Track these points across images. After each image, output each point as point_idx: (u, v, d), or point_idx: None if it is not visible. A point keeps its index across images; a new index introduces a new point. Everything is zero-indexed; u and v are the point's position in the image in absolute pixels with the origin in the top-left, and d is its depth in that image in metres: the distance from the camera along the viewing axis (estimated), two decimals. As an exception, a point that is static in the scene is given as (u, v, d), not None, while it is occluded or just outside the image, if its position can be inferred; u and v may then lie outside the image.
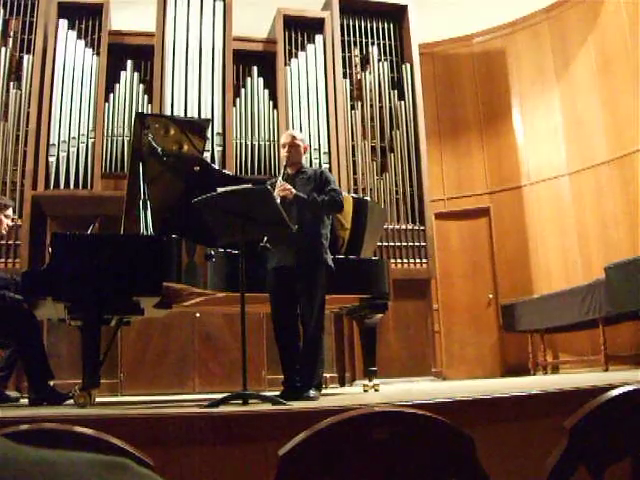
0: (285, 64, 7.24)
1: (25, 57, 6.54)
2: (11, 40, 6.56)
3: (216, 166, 5.78)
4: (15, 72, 6.52)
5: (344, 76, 7.43)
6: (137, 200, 3.58)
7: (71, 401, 3.30)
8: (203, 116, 6.59)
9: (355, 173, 7.21)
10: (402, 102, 7.50)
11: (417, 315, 7.00)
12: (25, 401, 3.88)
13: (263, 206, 3.07)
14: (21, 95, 6.43)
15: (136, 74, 6.90)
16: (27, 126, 6.38)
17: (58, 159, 6.33)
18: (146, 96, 6.84)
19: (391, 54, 7.74)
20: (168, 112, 6.58)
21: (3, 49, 6.48)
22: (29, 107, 6.40)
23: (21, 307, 3.54)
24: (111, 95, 6.73)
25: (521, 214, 8.15)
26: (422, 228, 7.17)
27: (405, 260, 7.05)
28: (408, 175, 7.32)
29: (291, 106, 7.14)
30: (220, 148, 6.70)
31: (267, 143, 7.05)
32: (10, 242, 5.94)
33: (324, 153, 7.04)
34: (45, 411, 2.90)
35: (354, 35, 7.63)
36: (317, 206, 3.50)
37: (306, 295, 3.47)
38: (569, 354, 7.47)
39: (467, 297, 8.15)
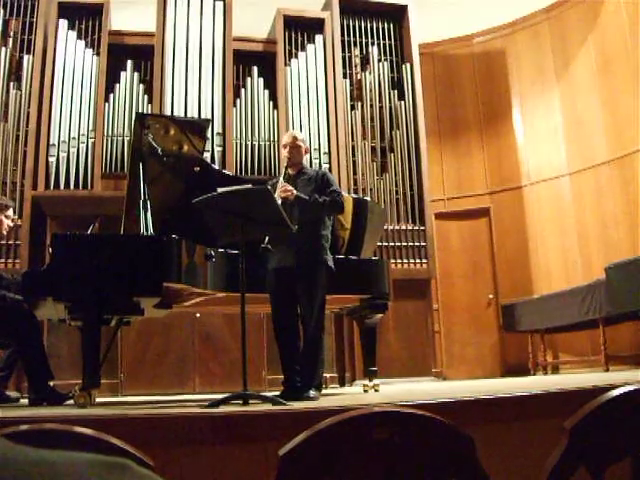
0: (285, 64, 7.24)
1: (25, 57, 6.54)
2: (11, 40, 6.56)
3: (216, 166, 5.78)
4: (15, 72, 6.52)
5: (344, 76, 7.43)
6: (137, 200, 3.58)
7: (71, 401, 3.30)
8: (203, 116, 6.59)
9: (355, 173, 7.21)
10: (402, 102, 7.50)
11: (417, 315, 7.00)
12: (25, 401, 3.88)
13: (263, 206, 3.07)
14: (21, 95, 6.43)
15: (136, 74, 6.91)
16: (27, 126, 6.38)
17: (58, 159, 6.33)
18: (146, 96, 6.84)
19: (391, 54, 7.74)
20: (168, 112, 6.58)
21: (3, 49, 6.48)
22: (29, 107, 6.40)
23: (21, 307, 3.54)
24: (111, 95, 6.74)
25: (521, 214, 8.15)
26: (422, 228, 7.17)
27: (405, 260, 7.05)
28: (408, 175, 7.32)
29: (291, 106, 7.14)
30: (220, 148, 6.70)
31: (267, 143, 7.05)
32: (10, 242, 5.94)
33: (324, 153, 7.04)
34: (45, 411, 2.90)
35: (354, 35, 7.63)
36: (318, 207, 3.51)
37: (306, 295, 3.47)
38: (569, 354, 7.47)
39: (467, 297, 8.15)
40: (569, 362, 7.43)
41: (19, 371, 4.32)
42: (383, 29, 7.78)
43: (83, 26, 6.80)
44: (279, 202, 3.25)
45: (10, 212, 4.12)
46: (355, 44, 7.62)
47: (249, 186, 3.17)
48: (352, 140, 7.27)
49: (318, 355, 3.46)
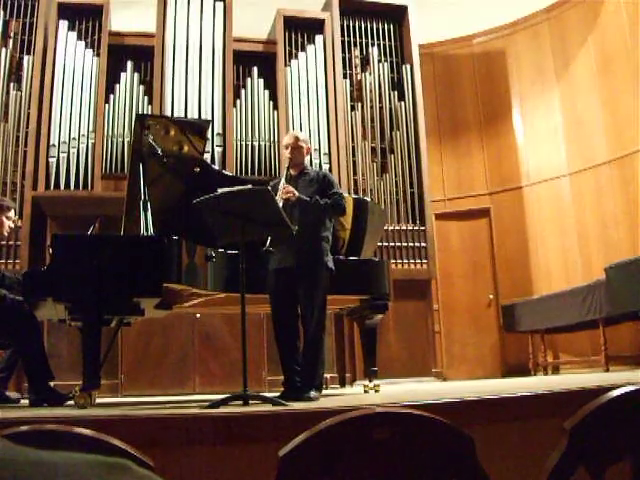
0: (285, 65, 7.25)
1: (25, 58, 6.54)
2: (11, 41, 6.56)
3: (216, 167, 5.78)
4: (15, 73, 6.53)
5: (344, 77, 7.43)
6: (137, 201, 3.58)
7: (71, 402, 3.30)
8: (203, 117, 6.59)
9: (355, 174, 7.21)
10: (402, 103, 7.50)
11: (417, 315, 7.00)
12: (25, 402, 3.88)
13: (263, 207, 3.07)
14: (21, 96, 6.44)
15: (136, 75, 6.91)
16: (27, 127, 6.38)
17: (58, 160, 6.33)
18: (146, 97, 6.84)
19: (391, 55, 7.74)
20: (168, 113, 6.59)
21: (3, 50, 6.48)
22: (29, 108, 6.41)
23: (22, 308, 3.54)
24: (111, 96, 6.74)
25: (521, 214, 8.15)
26: (422, 228, 7.18)
27: (405, 260, 7.05)
28: (408, 175, 7.32)
29: (291, 107, 7.14)
30: (220, 149, 6.70)
31: (267, 144, 7.05)
32: (10, 243, 5.95)
33: (324, 154, 7.04)
34: (45, 412, 2.90)
35: (354, 36, 7.64)
36: (320, 209, 3.51)
37: (307, 296, 3.47)
38: (569, 354, 7.47)
39: (467, 297, 8.15)
40: (569, 362, 7.43)
41: (19, 372, 4.32)
42: (383, 30, 7.78)
43: (83, 27, 6.81)
44: (281, 203, 3.25)
45: (12, 213, 4.13)
46: (355, 45, 7.62)
47: (249, 187, 3.17)
48: (352, 141, 7.27)
49: (318, 356, 3.46)
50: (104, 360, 3.45)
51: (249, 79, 7.29)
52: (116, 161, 6.57)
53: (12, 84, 6.45)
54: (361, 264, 4.28)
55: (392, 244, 7.03)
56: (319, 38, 7.43)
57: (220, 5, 7.14)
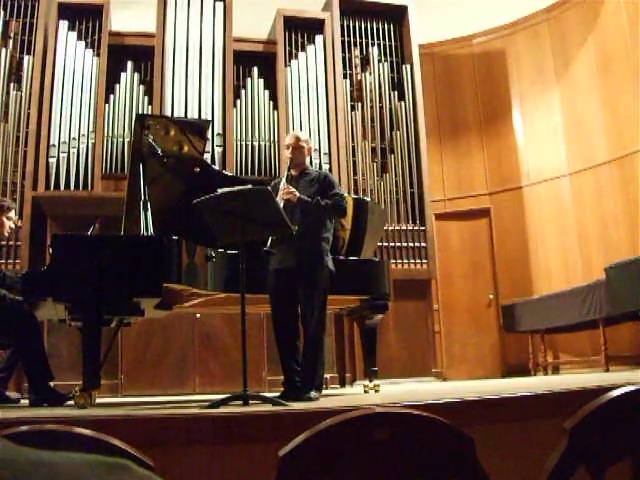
0: (285, 65, 7.25)
1: (25, 58, 6.54)
2: (11, 41, 6.56)
3: (216, 167, 5.78)
4: (15, 73, 6.53)
5: (344, 77, 7.43)
6: (137, 201, 3.58)
7: (71, 402, 3.30)
8: (203, 117, 6.59)
9: (355, 174, 7.21)
10: (402, 103, 7.50)
11: (417, 315, 7.00)
12: (25, 402, 3.88)
13: (263, 207, 3.07)
14: (21, 96, 6.44)
15: (136, 75, 6.91)
16: (27, 127, 6.38)
17: (58, 160, 6.34)
18: (146, 97, 6.84)
19: (391, 55, 7.74)
20: (168, 113, 6.59)
21: (3, 50, 6.48)
22: (29, 108, 6.41)
23: (22, 308, 3.54)
24: (111, 96, 6.74)
25: (521, 214, 8.15)
26: (422, 228, 7.18)
27: (405, 260, 7.05)
28: (408, 175, 7.32)
29: (291, 107, 7.14)
30: (220, 149, 6.70)
31: (267, 144, 7.05)
32: (11, 243, 5.95)
33: (324, 154, 7.04)
34: (45, 412, 2.90)
35: (354, 36, 7.64)
36: (321, 210, 3.50)
37: (307, 296, 3.47)
38: (569, 354, 7.47)
39: (467, 297, 8.15)
40: (569, 362, 7.43)
41: (19, 372, 4.32)
42: (383, 30, 7.78)
43: (83, 27, 6.81)
44: (281, 204, 3.25)
45: (12, 214, 4.13)
46: (355, 45, 7.62)
47: (249, 187, 3.17)
48: (352, 141, 7.27)
49: (319, 356, 3.46)
50: (104, 360, 3.45)
51: (249, 79, 7.29)
52: (116, 161, 6.57)
53: (12, 84, 6.45)
54: (361, 264, 4.28)
55: (392, 244, 7.03)
56: (319, 38, 7.43)
57: (220, 5, 7.14)
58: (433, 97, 8.47)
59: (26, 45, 6.61)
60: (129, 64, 6.88)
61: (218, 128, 6.73)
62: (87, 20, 6.82)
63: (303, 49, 7.41)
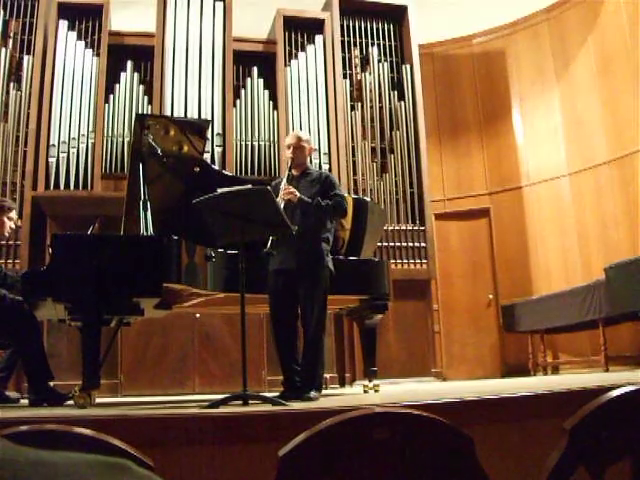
0: (285, 65, 7.24)
1: (25, 58, 6.54)
2: (11, 41, 6.56)
3: (216, 167, 5.78)
4: (15, 73, 6.52)
5: (344, 77, 7.43)
6: (137, 201, 3.58)
7: (71, 402, 3.30)
8: (203, 117, 6.59)
9: (355, 174, 7.21)
10: (402, 103, 7.50)
11: (417, 315, 7.00)
12: (25, 402, 3.88)
13: (263, 207, 3.07)
14: (21, 96, 6.44)
15: (136, 75, 6.91)
16: (27, 127, 6.38)
17: (58, 160, 6.33)
18: (146, 97, 6.84)
19: (391, 55, 7.74)
20: (168, 113, 6.58)
21: (3, 50, 6.48)
22: (29, 108, 6.40)
23: (21, 307, 3.54)
24: (111, 96, 6.74)
25: (521, 214, 8.15)
26: (422, 228, 7.18)
27: (405, 260, 7.05)
28: (408, 176, 7.32)
29: (291, 107, 7.14)
30: (220, 149, 6.70)
31: (267, 144, 7.05)
32: (10, 242, 5.94)
33: (324, 154, 7.04)
34: (45, 412, 2.90)
35: (354, 36, 7.63)
36: (321, 211, 3.50)
37: (307, 296, 3.47)
38: (569, 355, 7.47)
39: (467, 297, 8.15)
40: (569, 362, 7.43)
41: (19, 371, 4.32)
42: (383, 30, 7.78)
43: (83, 27, 6.80)
44: (282, 204, 3.25)
45: (13, 214, 4.14)
46: (355, 44, 7.62)
47: (249, 187, 3.17)
48: (352, 140, 7.27)
49: (319, 356, 3.46)
50: (104, 360, 3.45)
51: (249, 79, 7.29)
52: (116, 161, 6.57)
53: (12, 84, 6.45)
54: (361, 264, 4.28)
55: (392, 244, 7.03)
56: (319, 38, 7.43)
57: (220, 5, 7.14)
58: (433, 97, 8.47)
59: (26, 45, 6.61)
60: (129, 64, 6.88)
61: (218, 128, 6.73)
62: (87, 20, 6.82)
63: (303, 49, 7.41)
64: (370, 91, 7.47)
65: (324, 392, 4.02)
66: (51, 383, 3.66)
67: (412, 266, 7.05)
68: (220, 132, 6.74)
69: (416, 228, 7.17)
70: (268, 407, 2.50)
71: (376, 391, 4.26)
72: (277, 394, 3.40)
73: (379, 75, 7.56)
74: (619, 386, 1.02)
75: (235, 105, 7.06)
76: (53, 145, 6.34)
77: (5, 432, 0.78)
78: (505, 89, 8.46)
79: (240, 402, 2.85)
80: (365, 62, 7.61)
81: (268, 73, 7.31)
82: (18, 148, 6.34)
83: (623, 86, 7.22)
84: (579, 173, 7.67)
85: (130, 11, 7.17)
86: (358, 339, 5.49)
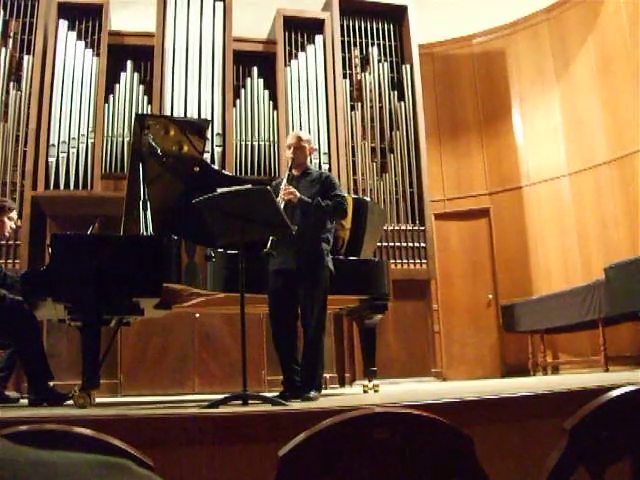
0: (285, 65, 7.24)
1: (25, 58, 6.54)
2: (11, 41, 6.56)
3: (216, 167, 5.78)
4: (15, 73, 6.52)
5: (344, 77, 7.43)
6: (137, 201, 3.58)
7: (71, 402, 3.30)
8: (203, 117, 6.59)
9: (355, 174, 7.21)
10: (402, 103, 7.50)
11: (417, 315, 7.00)
12: (25, 402, 3.88)
13: (263, 207, 3.07)
14: (21, 96, 6.44)
15: (136, 75, 6.91)
16: (27, 127, 6.38)
17: (58, 160, 6.33)
18: (146, 97, 6.84)
19: (391, 55, 7.74)
20: (168, 113, 6.58)
21: (3, 50, 6.48)
22: (29, 108, 6.40)
23: (21, 307, 3.54)
24: (111, 96, 6.73)
25: (521, 214, 8.15)
26: (422, 228, 7.18)
27: (405, 260, 7.05)
28: (408, 175, 7.32)
29: (291, 107, 7.14)
30: (220, 148, 6.70)
31: (267, 143, 7.05)
32: (10, 242, 5.94)
33: (324, 153, 7.04)
34: (45, 412, 2.90)
35: (354, 36, 7.63)
36: (321, 211, 3.50)
37: (308, 296, 3.47)
38: (569, 355, 7.47)
39: (467, 297, 8.15)
40: (569, 362, 7.43)
41: (19, 371, 4.32)
42: (383, 30, 7.78)
43: (83, 26, 6.80)
44: (282, 204, 3.25)
45: (14, 214, 4.14)
46: (355, 44, 7.62)
47: (249, 186, 3.17)
48: (352, 140, 7.27)
49: (318, 356, 3.46)
50: (103, 360, 3.45)
51: (249, 79, 7.29)
52: (116, 161, 6.57)
53: (12, 84, 6.45)
54: (361, 264, 4.28)
55: (392, 244, 7.03)
56: (319, 38, 7.43)
57: (220, 5, 7.13)
58: (433, 97, 8.47)
59: (26, 45, 6.61)
60: (129, 64, 6.88)
61: (218, 128, 6.73)
62: (87, 20, 6.82)
63: (303, 49, 7.41)
64: (370, 91, 7.48)
65: (324, 392, 4.02)
66: (51, 383, 3.66)
67: (412, 266, 7.05)
68: (220, 132, 6.74)
69: (416, 228, 7.17)
70: (268, 407, 2.50)
71: (376, 391, 4.26)
72: (277, 394, 3.40)
73: (379, 75, 7.56)
74: (619, 386, 1.02)
75: (235, 105, 7.06)
76: (53, 145, 6.34)
77: (5, 432, 0.78)
78: (505, 89, 8.46)
79: (240, 402, 2.85)
80: (365, 62, 7.61)
81: (268, 73, 7.31)
82: (18, 148, 6.34)
83: (623, 86, 7.22)
84: (579, 173, 7.67)
85: (130, 11, 7.17)
86: (358, 339, 5.49)
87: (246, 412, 2.22)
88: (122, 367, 5.96)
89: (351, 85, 7.48)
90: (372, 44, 7.66)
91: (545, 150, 8.02)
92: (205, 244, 3.51)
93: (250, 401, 2.88)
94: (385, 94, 7.52)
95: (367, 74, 7.52)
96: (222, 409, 2.61)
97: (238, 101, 7.13)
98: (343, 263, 3.98)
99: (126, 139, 6.53)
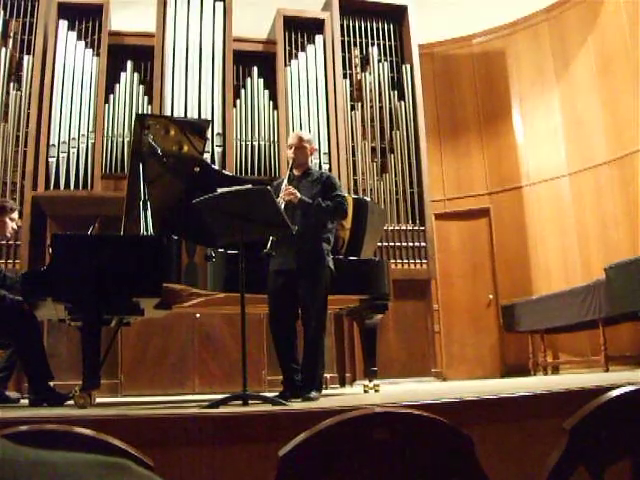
0: (285, 65, 7.24)
1: (25, 58, 6.54)
2: (11, 41, 6.56)
3: (216, 167, 5.78)
4: (15, 73, 6.52)
5: (344, 76, 7.43)
6: (137, 201, 3.58)
7: (71, 402, 3.30)
8: (203, 117, 6.59)
9: (355, 174, 7.21)
10: (402, 102, 7.50)
11: (417, 315, 7.00)
12: (25, 402, 3.88)
13: (263, 207, 3.07)
14: (21, 96, 6.44)
15: (136, 75, 6.91)
16: (27, 127, 6.38)
17: (58, 160, 6.33)
18: (146, 97, 6.84)
19: (391, 54, 7.74)
20: (168, 113, 6.58)
21: (3, 50, 6.48)
22: (29, 108, 6.40)
23: (21, 307, 3.54)
24: (111, 96, 6.73)
25: (521, 214, 8.15)
26: (422, 228, 7.18)
27: (405, 260, 7.05)
28: (408, 175, 7.32)
29: (291, 106, 7.14)
30: (220, 148, 6.70)
31: (267, 143, 7.05)
32: (10, 242, 5.94)
33: (324, 153, 7.04)
34: (45, 412, 2.90)
35: (354, 35, 7.63)
36: (321, 211, 3.50)
37: (308, 296, 3.47)
38: (569, 354, 7.47)
39: (467, 297, 8.15)
40: (569, 362, 7.43)
41: (19, 371, 4.32)
42: (383, 29, 7.78)
43: (83, 27, 6.80)
44: (282, 204, 3.25)
45: (15, 215, 4.15)
46: (355, 44, 7.62)
47: (249, 186, 3.17)
48: (352, 140, 7.27)
49: (319, 356, 3.46)
50: (104, 360, 3.45)
51: (249, 79, 7.29)
52: (116, 161, 6.57)
53: (12, 84, 6.45)
54: (361, 264, 4.28)
55: (392, 244, 7.03)
56: (319, 38, 7.43)
57: (220, 5, 7.13)
58: (433, 97, 8.47)
59: (26, 45, 6.61)
60: (129, 64, 6.88)
61: (218, 128, 6.73)
62: (87, 20, 6.82)
63: (303, 49, 7.41)
64: (370, 91, 7.48)
65: (324, 392, 4.02)
66: (51, 383, 3.66)
67: (412, 266, 7.05)
68: (220, 132, 6.74)
69: (416, 228, 7.17)
70: (268, 407, 2.50)
71: (376, 391, 4.26)
72: (277, 394, 3.40)
73: (379, 75, 7.56)
74: (619, 386, 1.02)
75: (235, 105, 7.06)
76: (53, 145, 6.34)
77: (5, 432, 0.78)
78: (505, 89, 8.46)
79: (240, 402, 2.85)
80: (365, 62, 7.61)
81: (268, 73, 7.31)
82: (18, 148, 6.34)
83: (623, 86, 7.22)
84: (579, 173, 7.67)
85: (130, 11, 7.16)
86: (358, 339, 5.49)
87: (246, 412, 2.22)
88: (122, 367, 5.96)
89: (351, 85, 7.48)
90: (372, 44, 7.66)
91: (545, 150, 8.02)
92: (205, 244, 3.51)
93: (250, 401, 2.88)
94: (385, 94, 7.52)
95: (367, 74, 7.52)
96: (222, 409, 2.61)
97: (238, 101, 7.13)
98: (343, 263, 3.98)
99: (126, 139, 6.53)
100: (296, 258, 3.49)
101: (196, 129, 4.03)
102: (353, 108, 7.39)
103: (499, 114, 8.45)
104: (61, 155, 6.35)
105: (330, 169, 6.85)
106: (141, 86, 6.88)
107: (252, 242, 3.20)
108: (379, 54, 7.65)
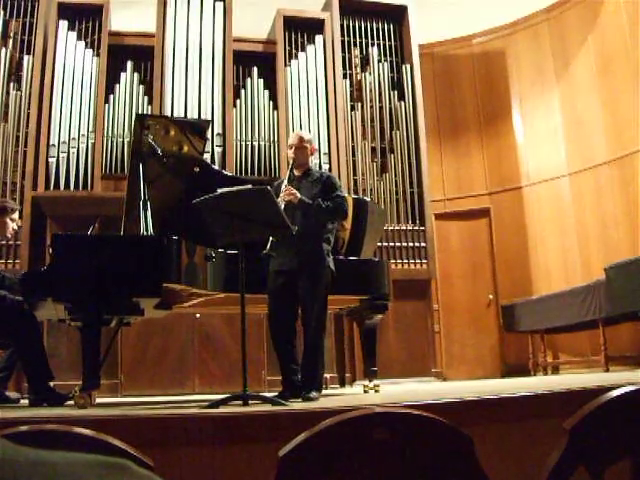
0: (285, 65, 7.24)
1: (25, 58, 6.54)
2: (11, 41, 6.56)
3: (216, 167, 5.78)
4: (15, 73, 6.52)
5: (344, 77, 7.43)
6: (137, 201, 3.58)
7: (71, 402, 3.30)
8: (203, 117, 6.59)
9: (355, 174, 7.21)
10: (402, 102, 7.50)
11: (417, 315, 7.00)
12: (25, 402, 3.88)
13: (263, 207, 3.07)
14: (21, 96, 6.44)
15: (136, 75, 6.91)
16: (27, 127, 6.38)
17: (58, 160, 6.33)
18: (146, 97, 6.84)
19: (391, 55, 7.74)
20: (168, 113, 6.58)
21: (3, 50, 6.48)
22: (29, 108, 6.40)
23: (21, 308, 3.54)
24: (111, 96, 6.73)
25: (521, 214, 8.15)
26: (422, 229, 7.18)
27: (405, 261, 7.05)
28: (408, 175, 7.32)
29: (291, 107, 7.14)
30: (220, 149, 6.70)
31: (267, 144, 7.05)
32: (10, 243, 5.94)
33: (324, 154, 7.04)
34: (45, 412, 2.90)
35: (354, 36, 7.63)
36: (321, 212, 3.50)
37: (308, 295, 3.47)
38: (569, 354, 7.47)
39: (467, 297, 8.15)
40: (569, 362, 7.43)
41: (19, 371, 4.31)
42: (383, 29, 7.78)
43: (83, 27, 6.80)
44: (282, 205, 3.25)
45: (16, 215, 4.15)
46: (355, 44, 7.62)
47: (249, 187, 3.16)
48: (352, 140, 7.27)
49: (319, 356, 3.46)
50: (104, 360, 3.45)
51: (249, 79, 7.29)
52: (116, 161, 6.57)
53: (12, 84, 6.45)
54: (361, 264, 4.28)
55: (392, 244, 7.03)
56: (319, 38, 7.43)
57: (220, 5, 7.14)
58: (433, 97, 8.47)
59: (26, 45, 6.61)
60: (129, 64, 6.88)
61: (218, 128, 6.73)
62: (87, 20, 6.82)
63: (303, 49, 7.41)
64: (370, 91, 7.48)
65: (324, 392, 4.02)
66: (51, 383, 3.66)
67: (412, 266, 7.05)
68: (220, 132, 6.74)
69: (416, 228, 7.17)
70: (268, 407, 2.50)
71: (376, 391, 4.26)
72: (277, 394, 3.40)
73: (379, 75, 7.56)
74: (619, 386, 1.02)
75: (235, 105, 7.06)
76: (53, 145, 6.34)
77: (5, 432, 0.78)
78: (505, 89, 8.46)
79: (240, 402, 2.85)
80: (365, 62, 7.61)
81: (268, 73, 7.31)
82: (18, 148, 6.34)
83: (623, 86, 7.22)
84: (579, 173, 7.67)
85: (130, 11, 7.16)
86: (358, 339, 5.49)
87: (246, 412, 2.22)
88: (122, 367, 5.96)
89: (351, 85, 7.48)
90: (372, 44, 7.66)
91: (545, 150, 8.02)
92: (205, 244, 3.51)
93: (250, 401, 2.88)
94: (385, 94, 7.52)
95: (367, 74, 7.52)
96: (222, 409, 2.61)
97: (238, 101, 7.13)
98: (343, 263, 3.98)
99: (126, 139, 6.53)
100: (296, 258, 3.49)
101: (196, 129, 4.03)
102: (353, 108, 7.39)
103: (499, 114, 8.45)
104: (61, 155, 6.35)
105: (330, 169, 6.85)
106: (141, 86, 6.89)
107: (252, 242, 3.20)
108: (379, 54, 7.65)
